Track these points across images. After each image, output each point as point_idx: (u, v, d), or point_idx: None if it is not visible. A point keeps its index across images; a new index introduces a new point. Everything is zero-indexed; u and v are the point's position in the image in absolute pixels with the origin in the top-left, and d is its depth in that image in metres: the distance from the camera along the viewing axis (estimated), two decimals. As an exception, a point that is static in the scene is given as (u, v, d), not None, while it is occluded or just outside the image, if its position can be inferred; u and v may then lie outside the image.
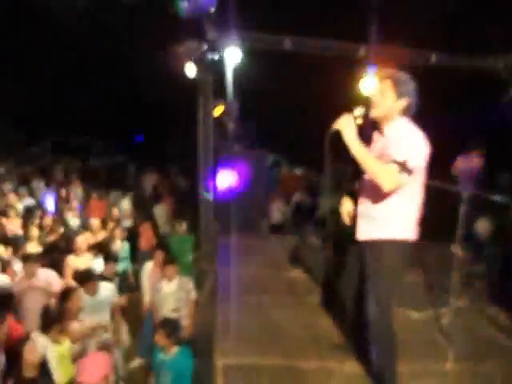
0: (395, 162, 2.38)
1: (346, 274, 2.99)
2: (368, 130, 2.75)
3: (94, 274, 4.73)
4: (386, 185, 2.38)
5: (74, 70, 16.26)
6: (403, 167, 2.36)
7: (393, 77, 2.56)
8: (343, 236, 3.05)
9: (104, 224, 7.27)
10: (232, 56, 6.55)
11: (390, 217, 2.56)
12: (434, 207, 7.65)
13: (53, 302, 4.48)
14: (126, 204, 8.76)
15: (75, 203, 7.68)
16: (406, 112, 2.56)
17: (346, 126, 2.51)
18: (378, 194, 2.54)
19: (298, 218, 8.13)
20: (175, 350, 3.91)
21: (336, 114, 2.63)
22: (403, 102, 2.53)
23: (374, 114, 2.60)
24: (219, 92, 6.99)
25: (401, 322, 3.65)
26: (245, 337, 3.28)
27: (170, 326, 3.99)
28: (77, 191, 9.59)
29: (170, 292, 4.96)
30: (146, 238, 7.34)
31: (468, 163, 6.43)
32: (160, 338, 3.93)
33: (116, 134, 19.65)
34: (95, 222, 6.94)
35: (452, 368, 3.07)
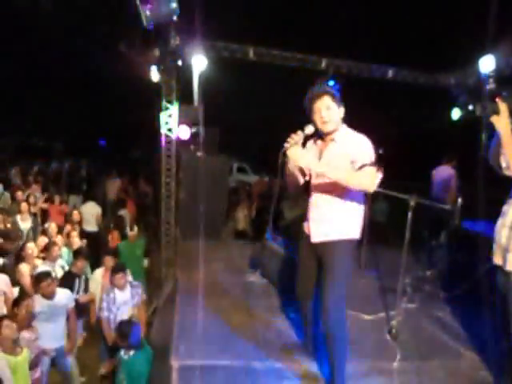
0: (368, 164, 2.60)
1: (302, 275, 3.10)
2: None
3: (51, 276, 4.60)
4: (371, 188, 2.64)
5: (38, 73, 15.87)
6: (376, 166, 2.61)
7: (329, 90, 2.80)
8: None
9: (61, 229, 7.10)
10: (197, 62, 6.65)
11: (344, 219, 2.77)
12: (388, 213, 8.01)
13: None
14: (90, 208, 8.57)
15: (25, 206, 7.47)
16: (343, 119, 2.83)
17: (299, 156, 2.69)
18: (331, 200, 2.78)
19: (260, 224, 8.23)
20: (133, 351, 3.96)
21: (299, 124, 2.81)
22: (342, 110, 2.81)
23: (328, 128, 2.77)
24: (184, 97, 7.04)
25: (352, 322, 3.81)
26: (202, 339, 3.33)
27: (125, 328, 4.03)
28: (35, 194, 9.34)
29: (124, 301, 4.87)
30: (114, 245, 7.21)
31: (442, 174, 6.75)
32: (119, 340, 4.01)
33: (78, 137, 19.22)
34: (52, 225, 6.78)
35: (398, 366, 3.23)
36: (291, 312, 3.92)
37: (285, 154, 2.73)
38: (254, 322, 3.68)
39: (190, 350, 3.17)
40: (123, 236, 7.48)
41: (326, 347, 2.81)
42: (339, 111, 2.79)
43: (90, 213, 8.40)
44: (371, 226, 5.77)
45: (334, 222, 2.78)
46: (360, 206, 2.84)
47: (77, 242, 6.52)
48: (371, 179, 2.63)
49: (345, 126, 2.84)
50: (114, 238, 7.35)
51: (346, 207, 2.77)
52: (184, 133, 6.78)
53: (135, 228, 6.83)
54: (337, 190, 2.74)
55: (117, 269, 4.98)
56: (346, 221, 2.78)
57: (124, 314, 4.79)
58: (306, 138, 2.84)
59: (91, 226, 8.30)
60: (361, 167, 2.62)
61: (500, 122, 2.62)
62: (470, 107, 6.09)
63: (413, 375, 3.18)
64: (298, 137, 2.70)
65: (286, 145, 2.69)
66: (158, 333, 4.25)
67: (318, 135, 2.89)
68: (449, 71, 7.17)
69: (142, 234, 7.78)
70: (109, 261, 5.41)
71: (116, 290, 4.88)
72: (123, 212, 8.88)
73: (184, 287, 4.57)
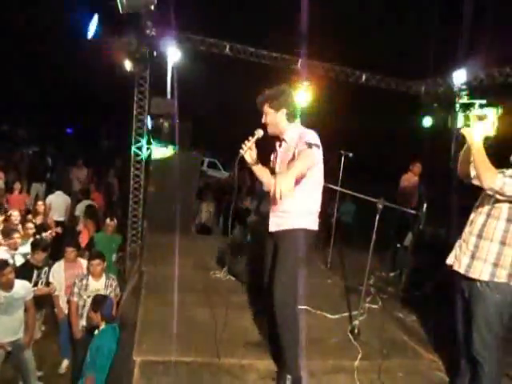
0: (304, 145, 2.65)
1: (267, 270, 3.14)
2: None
3: (9, 265, 4.42)
4: (304, 168, 2.63)
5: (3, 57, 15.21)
6: (310, 145, 2.65)
7: (265, 97, 2.97)
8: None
9: (23, 217, 6.83)
10: (172, 54, 6.55)
11: (297, 209, 2.87)
12: (355, 215, 8.16)
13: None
14: (60, 198, 8.30)
15: None
16: (291, 119, 2.95)
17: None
18: None
19: (227, 220, 8.21)
20: (102, 326, 3.97)
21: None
22: (283, 111, 2.92)
23: (269, 131, 3.00)
24: (158, 89, 6.94)
25: (316, 322, 3.87)
26: (165, 334, 3.29)
27: (97, 302, 4.07)
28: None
29: (96, 290, 4.81)
30: (87, 236, 6.97)
31: (410, 181, 6.97)
32: (91, 314, 4.08)
33: (45, 124, 18.61)
34: (15, 213, 6.49)
35: (360, 365, 3.28)
36: (256, 309, 3.93)
37: (242, 160, 2.95)
38: (219, 318, 3.66)
39: (153, 345, 3.13)
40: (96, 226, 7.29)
41: (278, 336, 2.85)
42: (279, 114, 2.93)
43: (60, 202, 8.14)
44: (338, 227, 5.88)
45: (287, 212, 2.90)
46: (315, 197, 2.94)
47: (31, 233, 6.23)
48: (302, 161, 2.62)
49: (293, 126, 2.96)
50: (89, 228, 7.08)
51: (300, 199, 2.85)
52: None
53: (114, 220, 6.61)
54: (297, 187, 2.81)
55: (94, 255, 4.94)
56: (299, 211, 2.87)
57: None
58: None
59: (59, 216, 8.04)
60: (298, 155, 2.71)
61: (471, 134, 2.70)
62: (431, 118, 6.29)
63: (373, 374, 3.24)
64: (249, 142, 2.93)
65: (240, 151, 2.92)
66: (121, 327, 4.16)
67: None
68: (421, 79, 7.37)
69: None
70: (70, 252, 5.24)
71: (90, 278, 4.85)
72: (86, 202, 8.62)
73: (149, 281, 4.50)
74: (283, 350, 2.86)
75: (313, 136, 2.78)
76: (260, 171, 3.15)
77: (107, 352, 3.75)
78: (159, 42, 6.30)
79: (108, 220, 6.50)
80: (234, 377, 2.96)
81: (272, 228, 3.01)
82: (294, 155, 2.80)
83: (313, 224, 2.93)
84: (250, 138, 2.95)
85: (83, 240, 6.79)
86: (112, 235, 6.45)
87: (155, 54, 6.23)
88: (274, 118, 2.95)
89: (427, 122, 7.20)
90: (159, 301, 3.95)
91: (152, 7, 4.35)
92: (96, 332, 4.01)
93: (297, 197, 2.85)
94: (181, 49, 6.68)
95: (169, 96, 6.98)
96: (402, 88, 7.48)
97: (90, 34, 5.29)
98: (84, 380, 3.75)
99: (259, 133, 2.96)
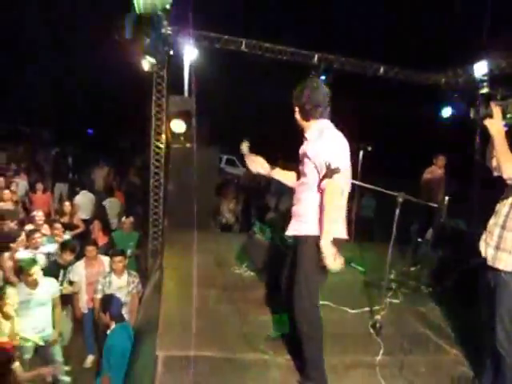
0: (326, 167, 2.63)
1: (285, 270, 3.15)
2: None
3: (36, 263, 4.55)
4: (338, 195, 2.68)
5: (25, 60, 15.53)
6: (331, 171, 2.62)
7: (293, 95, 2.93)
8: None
9: (48, 217, 7.01)
10: (188, 52, 6.60)
11: (316, 216, 2.77)
12: (376, 209, 8.07)
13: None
14: (86, 197, 8.49)
15: (8, 194, 7.40)
16: (304, 116, 2.87)
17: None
18: (306, 196, 2.85)
19: (247, 217, 8.24)
20: (113, 326, 4.05)
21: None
22: (296, 110, 2.90)
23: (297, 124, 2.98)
24: (175, 88, 6.99)
25: (337, 317, 3.86)
26: (187, 330, 3.33)
27: (105, 302, 4.16)
28: (20, 182, 9.23)
29: (119, 287, 4.93)
30: (95, 236, 7.12)
31: (434, 174, 6.85)
32: (100, 315, 4.17)
33: (66, 125, 18.96)
34: (39, 213, 6.66)
35: (381, 360, 3.27)
36: (276, 305, 3.94)
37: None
38: (240, 313, 3.69)
39: (176, 340, 3.18)
40: (105, 226, 7.42)
41: (300, 338, 2.83)
42: (296, 111, 2.91)
43: (86, 201, 8.33)
44: (359, 222, 5.85)
45: (305, 217, 2.83)
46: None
47: (60, 233, 6.37)
48: (331, 194, 2.63)
49: (314, 123, 2.86)
50: (94, 229, 7.24)
51: (317, 204, 2.76)
52: (178, 126, 6.69)
53: (130, 217, 6.73)
54: (314, 188, 2.79)
55: (116, 252, 5.09)
56: (315, 217, 2.76)
57: None
58: None
59: (86, 215, 8.22)
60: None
61: (493, 125, 2.68)
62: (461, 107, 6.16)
63: (395, 369, 3.22)
64: (246, 158, 3.15)
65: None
66: (144, 323, 4.24)
67: None
68: (440, 70, 7.23)
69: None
70: (90, 251, 5.35)
71: (113, 275, 4.98)
72: (109, 201, 8.77)
73: (170, 277, 4.56)
74: (303, 347, 2.84)
75: (330, 141, 2.74)
76: (279, 176, 3.18)
77: (121, 351, 3.82)
78: (176, 41, 6.35)
79: (124, 218, 6.65)
80: (256, 372, 2.98)
81: (289, 232, 2.97)
82: (305, 154, 2.79)
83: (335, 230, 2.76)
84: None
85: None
86: (129, 232, 6.58)
87: (172, 52, 6.29)
88: (295, 114, 2.95)
89: (446, 112, 7.06)
90: (180, 297, 4.00)
91: (168, 6, 4.39)
92: (108, 332, 4.08)
93: (313, 202, 2.79)
94: (197, 47, 6.72)
95: (186, 94, 7.04)
96: (421, 79, 7.36)
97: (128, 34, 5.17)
98: (100, 380, 3.83)
99: (243, 147, 3.16)
